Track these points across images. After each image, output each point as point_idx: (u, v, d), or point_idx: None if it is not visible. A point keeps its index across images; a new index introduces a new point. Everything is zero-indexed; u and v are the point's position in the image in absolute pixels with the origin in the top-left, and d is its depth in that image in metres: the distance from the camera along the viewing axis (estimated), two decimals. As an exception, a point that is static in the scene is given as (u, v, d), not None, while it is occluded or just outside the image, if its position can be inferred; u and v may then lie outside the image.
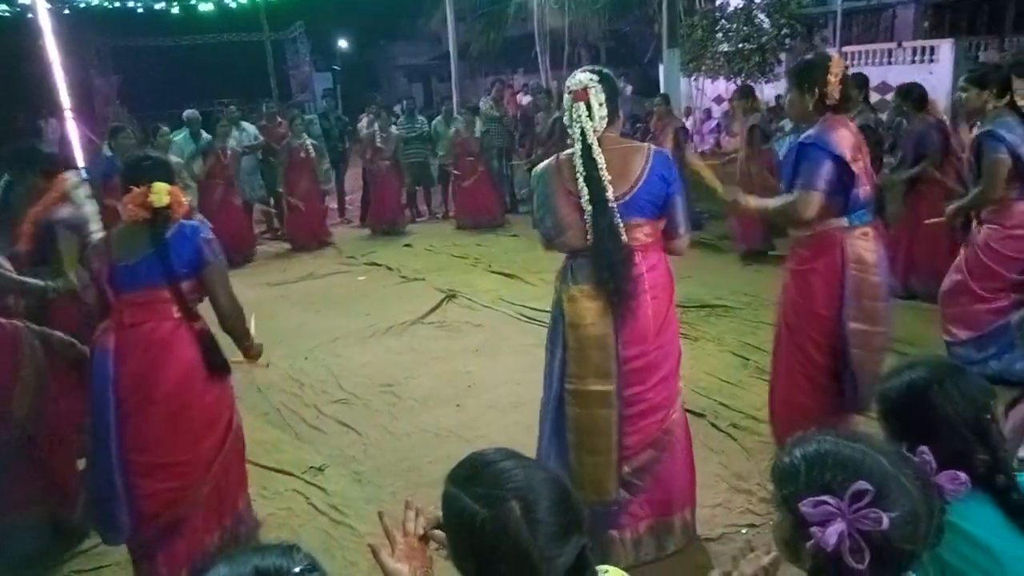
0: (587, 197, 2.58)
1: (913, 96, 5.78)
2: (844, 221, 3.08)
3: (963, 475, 1.21)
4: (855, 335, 3.08)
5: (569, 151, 2.71)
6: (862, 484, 1.09)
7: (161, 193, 2.75)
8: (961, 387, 1.46)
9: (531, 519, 1.13)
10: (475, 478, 1.20)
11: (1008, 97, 3.92)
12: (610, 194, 2.58)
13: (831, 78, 3.01)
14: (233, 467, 3.03)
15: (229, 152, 8.51)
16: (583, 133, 2.61)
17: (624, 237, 2.61)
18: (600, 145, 2.61)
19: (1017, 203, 3.93)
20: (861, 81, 6.29)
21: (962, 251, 4.23)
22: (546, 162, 2.80)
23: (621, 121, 2.79)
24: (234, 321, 2.96)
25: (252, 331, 3.15)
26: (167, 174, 2.88)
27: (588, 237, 2.62)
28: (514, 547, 1.11)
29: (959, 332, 4.19)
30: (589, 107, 2.61)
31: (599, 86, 2.63)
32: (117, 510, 2.80)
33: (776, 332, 3.41)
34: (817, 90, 3.04)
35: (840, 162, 2.98)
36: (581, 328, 2.69)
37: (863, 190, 3.06)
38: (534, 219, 2.93)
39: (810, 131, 3.07)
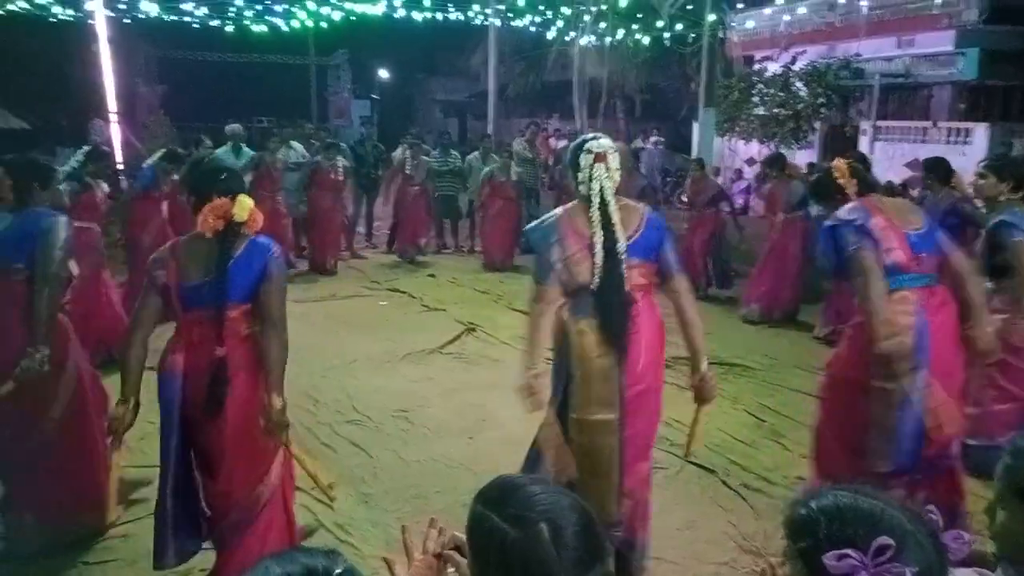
0: (601, 244, 2.78)
1: (939, 171, 5.84)
2: None
3: (966, 535, 1.22)
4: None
5: (574, 203, 2.94)
6: (884, 539, 1.10)
7: (244, 208, 2.66)
8: None
9: (559, 543, 1.14)
10: (505, 500, 1.21)
11: (1022, 192, 3.93)
12: (621, 244, 2.80)
13: (839, 179, 3.39)
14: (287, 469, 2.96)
15: (279, 165, 8.86)
16: (602, 190, 2.85)
17: (627, 284, 2.81)
18: None
19: None
20: (931, 165, 6.16)
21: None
22: (552, 213, 3.01)
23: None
24: (278, 341, 2.71)
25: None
26: (243, 187, 2.81)
27: (595, 278, 2.80)
28: (541, 569, 1.13)
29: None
30: (608, 168, 2.87)
31: (616, 154, 2.93)
32: (167, 536, 2.71)
33: (823, 382, 3.54)
34: (837, 194, 3.41)
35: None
36: (588, 361, 2.82)
37: (891, 257, 3.11)
38: (535, 271, 2.94)
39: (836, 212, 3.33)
